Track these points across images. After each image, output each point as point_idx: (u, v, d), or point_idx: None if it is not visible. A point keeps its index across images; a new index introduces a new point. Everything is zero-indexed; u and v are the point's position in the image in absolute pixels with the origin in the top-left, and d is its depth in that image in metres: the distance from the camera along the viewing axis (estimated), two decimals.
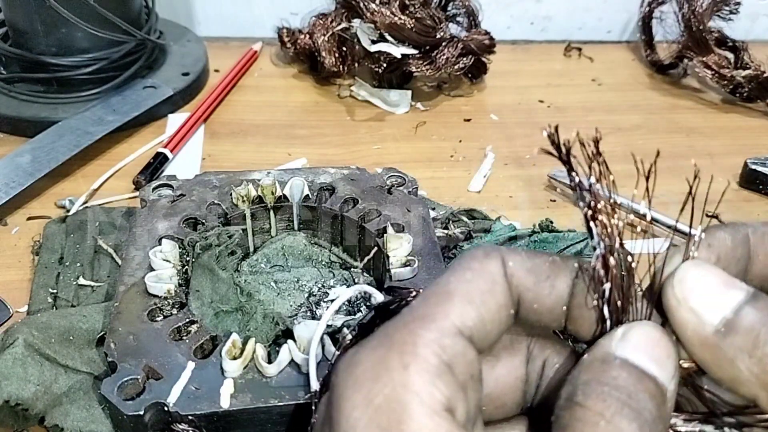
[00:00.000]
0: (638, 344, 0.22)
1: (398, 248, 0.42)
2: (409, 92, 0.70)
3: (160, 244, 0.42)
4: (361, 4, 0.64)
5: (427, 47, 0.65)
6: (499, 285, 0.24)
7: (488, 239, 0.49)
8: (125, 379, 0.34)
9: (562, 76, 0.77)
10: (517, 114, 0.70)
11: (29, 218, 0.53)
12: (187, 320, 0.38)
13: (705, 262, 0.24)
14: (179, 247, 0.42)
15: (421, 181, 0.50)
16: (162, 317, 0.38)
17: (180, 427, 0.33)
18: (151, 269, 0.40)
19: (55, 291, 0.46)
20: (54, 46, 0.63)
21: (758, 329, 0.22)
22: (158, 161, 0.58)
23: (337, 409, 0.22)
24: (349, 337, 0.28)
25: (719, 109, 0.72)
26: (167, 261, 0.41)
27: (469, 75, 0.72)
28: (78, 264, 0.47)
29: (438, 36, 0.65)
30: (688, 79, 0.77)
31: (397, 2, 0.64)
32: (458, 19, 0.71)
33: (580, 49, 0.82)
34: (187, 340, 0.36)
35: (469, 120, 0.69)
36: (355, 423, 0.21)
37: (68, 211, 0.53)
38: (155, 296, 0.39)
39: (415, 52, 0.65)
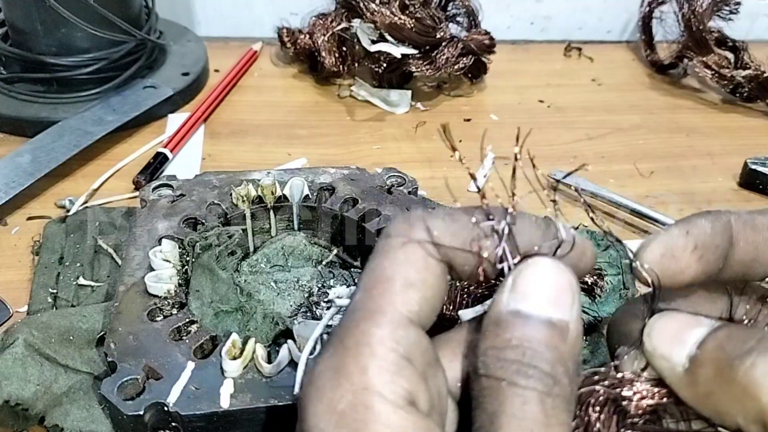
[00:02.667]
0: (527, 289, 0.23)
1: None
2: (409, 92, 0.70)
3: (160, 244, 0.42)
4: (361, 4, 0.64)
5: (427, 47, 0.65)
6: (431, 258, 0.24)
7: None
8: (125, 379, 0.34)
9: (562, 76, 0.77)
10: (517, 114, 0.70)
11: (29, 218, 0.53)
12: (187, 320, 0.38)
13: (671, 312, 0.25)
14: (179, 247, 0.42)
15: (421, 181, 0.50)
16: (162, 317, 0.38)
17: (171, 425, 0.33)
18: (151, 269, 0.40)
19: (55, 291, 0.46)
20: (54, 46, 0.63)
21: (720, 356, 0.22)
22: (158, 161, 0.58)
23: (303, 422, 0.22)
24: (320, 346, 0.28)
25: (719, 109, 0.72)
26: (167, 261, 0.41)
27: (469, 75, 0.72)
28: (78, 264, 0.47)
29: (438, 36, 0.65)
30: (688, 79, 0.77)
31: (397, 2, 0.64)
32: (458, 19, 0.71)
33: (580, 49, 0.82)
34: (187, 340, 0.36)
35: (469, 120, 0.69)
36: (317, 422, 0.21)
37: (68, 211, 0.53)
38: (155, 296, 0.39)
39: (415, 52, 0.65)
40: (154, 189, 0.47)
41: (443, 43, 0.66)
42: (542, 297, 0.22)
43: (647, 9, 0.77)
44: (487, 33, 0.70)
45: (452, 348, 0.25)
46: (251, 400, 0.34)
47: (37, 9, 0.60)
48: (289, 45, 0.73)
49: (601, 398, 0.23)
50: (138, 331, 0.37)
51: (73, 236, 0.50)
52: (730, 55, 0.73)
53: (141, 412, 0.32)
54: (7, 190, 0.53)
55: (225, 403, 0.33)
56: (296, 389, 0.32)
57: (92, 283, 0.46)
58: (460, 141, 0.65)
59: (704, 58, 0.71)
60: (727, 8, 0.72)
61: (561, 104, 0.72)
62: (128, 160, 0.60)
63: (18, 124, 0.62)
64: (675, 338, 0.23)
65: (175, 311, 0.38)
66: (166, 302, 0.39)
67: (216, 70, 0.74)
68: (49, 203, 0.55)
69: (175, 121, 0.65)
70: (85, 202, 0.54)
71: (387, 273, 0.23)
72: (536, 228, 0.26)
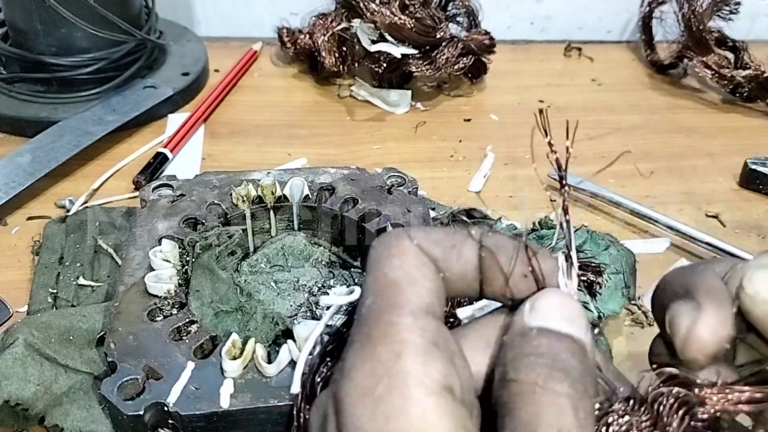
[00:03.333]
0: (546, 310, 0.24)
1: None
2: (409, 92, 0.70)
3: (160, 244, 0.42)
4: (361, 4, 0.64)
5: (427, 47, 0.65)
6: (422, 256, 0.25)
7: None
8: (125, 379, 0.34)
9: (562, 76, 0.77)
10: (517, 114, 0.70)
11: (29, 218, 0.53)
12: (187, 320, 0.38)
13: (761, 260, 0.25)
14: (179, 247, 0.42)
15: (421, 181, 0.50)
16: (162, 317, 0.38)
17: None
18: (151, 269, 0.40)
19: (55, 291, 0.46)
20: (54, 46, 0.63)
21: None
22: (158, 161, 0.58)
23: (343, 416, 0.22)
24: (320, 346, 0.28)
25: (719, 109, 0.72)
26: (167, 261, 0.41)
27: (469, 75, 0.72)
28: (78, 264, 0.47)
29: (438, 36, 0.65)
30: (688, 79, 0.77)
31: (397, 2, 0.64)
32: (458, 19, 0.71)
33: (580, 49, 0.82)
34: (187, 340, 0.36)
35: (469, 120, 0.69)
36: (360, 420, 0.21)
37: (68, 211, 0.53)
38: (155, 296, 0.39)
39: (415, 52, 0.65)
40: (154, 189, 0.47)
41: (443, 43, 0.66)
42: (562, 317, 0.23)
43: (647, 9, 0.77)
44: (487, 33, 0.70)
45: (473, 343, 0.25)
46: (251, 400, 0.34)
47: (37, 9, 0.60)
48: (289, 45, 0.73)
49: (672, 400, 0.23)
50: (138, 331, 0.37)
51: (73, 236, 0.50)
52: (730, 55, 0.73)
53: (141, 412, 0.32)
54: (7, 190, 0.53)
55: (225, 403, 0.33)
56: (293, 389, 0.32)
57: (92, 283, 0.46)
58: (460, 141, 0.65)
59: (704, 58, 0.71)
60: (727, 8, 0.72)
61: (561, 104, 0.72)
62: (128, 160, 0.60)
63: (18, 124, 0.62)
64: None
65: (175, 311, 0.38)
66: (166, 302, 0.39)
67: (216, 70, 0.74)
68: (49, 203, 0.55)
69: (175, 121, 0.65)
70: (85, 202, 0.54)
71: (390, 277, 0.24)
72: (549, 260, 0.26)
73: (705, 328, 0.25)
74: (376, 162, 0.60)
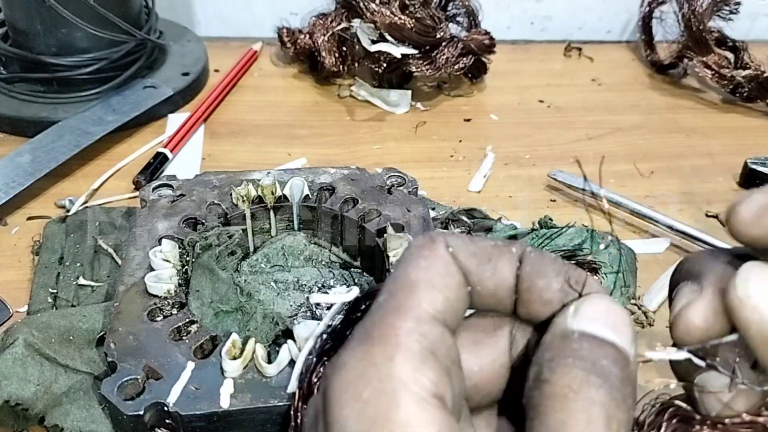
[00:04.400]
0: (591, 315, 0.23)
1: (398, 248, 0.42)
2: (409, 92, 0.70)
3: (160, 244, 0.42)
4: (361, 4, 0.64)
5: (427, 47, 0.65)
6: (452, 265, 0.24)
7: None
8: (125, 379, 0.34)
9: (562, 76, 0.77)
10: (517, 114, 0.70)
11: (29, 218, 0.53)
12: (187, 320, 0.38)
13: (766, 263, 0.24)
14: (179, 247, 0.42)
15: (421, 181, 0.50)
16: (162, 317, 0.38)
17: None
18: (151, 269, 0.40)
19: (55, 291, 0.46)
20: (54, 46, 0.63)
21: None
22: (158, 161, 0.58)
23: (329, 414, 0.22)
24: (319, 343, 0.28)
25: (719, 109, 0.72)
26: (167, 261, 0.41)
27: (469, 75, 0.72)
28: (78, 264, 0.47)
29: (438, 36, 0.65)
30: (688, 79, 0.77)
31: (397, 2, 0.64)
32: (458, 19, 0.71)
33: (580, 49, 0.82)
34: (187, 340, 0.36)
35: (469, 120, 0.69)
36: (345, 421, 0.21)
37: (68, 211, 0.53)
38: (155, 296, 0.39)
39: (415, 52, 0.65)
40: (154, 189, 0.47)
41: (443, 43, 0.66)
42: (608, 324, 0.23)
43: (647, 9, 0.77)
44: (487, 33, 0.70)
45: (460, 341, 0.25)
46: (251, 400, 0.34)
47: (37, 9, 0.60)
48: (289, 45, 0.73)
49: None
50: (138, 331, 0.37)
51: (73, 236, 0.49)
52: (730, 55, 0.73)
53: (141, 412, 0.32)
54: (7, 190, 0.53)
55: (225, 403, 0.33)
56: (290, 387, 0.32)
57: (92, 283, 0.46)
58: (460, 141, 0.65)
59: (704, 58, 0.71)
60: (727, 8, 0.72)
61: (561, 104, 0.72)
62: (128, 160, 0.60)
63: (18, 123, 0.62)
64: None
65: (175, 311, 0.38)
66: (166, 302, 0.39)
67: (216, 70, 0.74)
68: (49, 203, 0.55)
69: (175, 121, 0.65)
70: (85, 202, 0.54)
71: (411, 278, 0.24)
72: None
73: (696, 313, 0.24)
74: (376, 162, 0.60)
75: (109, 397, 0.33)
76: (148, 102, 0.64)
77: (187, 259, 0.42)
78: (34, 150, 0.57)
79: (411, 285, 0.24)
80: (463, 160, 0.62)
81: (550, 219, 0.51)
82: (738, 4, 0.72)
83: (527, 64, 0.79)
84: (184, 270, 0.42)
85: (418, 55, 0.65)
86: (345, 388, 0.22)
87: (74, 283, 0.46)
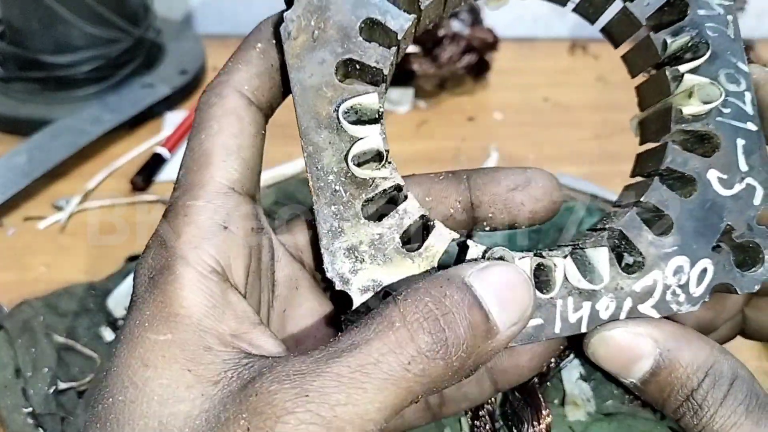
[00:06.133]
0: (491, 280, 0.22)
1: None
2: (411, 90, 0.69)
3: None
4: None
5: (430, 45, 0.64)
6: (245, 118, 0.25)
7: (487, 239, 0.48)
8: None
9: (567, 74, 0.76)
10: (522, 113, 0.69)
11: (26, 219, 0.53)
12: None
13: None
14: None
15: None
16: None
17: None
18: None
19: (30, 409, 0.38)
20: (51, 45, 0.62)
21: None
22: (156, 161, 0.57)
23: (135, 280, 0.24)
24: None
25: None
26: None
27: (472, 73, 0.71)
28: (45, 369, 0.40)
29: (440, 33, 0.64)
30: None
31: None
32: (461, 16, 0.70)
33: (585, 47, 0.81)
34: None
35: (472, 119, 0.68)
36: (138, 288, 0.23)
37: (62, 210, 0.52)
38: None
39: (417, 49, 0.64)
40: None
41: (446, 41, 0.65)
42: (499, 294, 0.22)
43: None
44: (490, 30, 0.69)
45: None
46: None
47: (34, 7, 0.60)
48: None
49: None
50: None
51: (20, 341, 0.41)
52: None
53: None
54: (4, 190, 0.52)
55: None
56: None
57: (73, 384, 0.39)
58: (464, 140, 0.64)
59: None
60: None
61: (566, 103, 0.71)
62: (125, 160, 0.59)
63: (14, 123, 0.61)
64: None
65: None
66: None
67: (214, 68, 0.73)
68: (45, 204, 0.54)
69: (172, 119, 0.64)
70: (81, 202, 0.54)
71: (204, 147, 0.25)
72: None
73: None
74: None
75: None
76: (145, 101, 0.63)
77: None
78: (30, 150, 0.56)
79: (205, 155, 0.24)
80: (466, 159, 0.62)
81: None
82: (744, 2, 0.71)
83: (531, 62, 0.78)
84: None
85: (420, 53, 0.64)
86: (142, 265, 0.24)
87: (50, 392, 0.39)
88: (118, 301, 0.43)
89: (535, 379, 0.35)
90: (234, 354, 0.22)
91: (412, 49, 0.63)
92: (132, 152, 0.60)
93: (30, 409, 0.38)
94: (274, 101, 0.27)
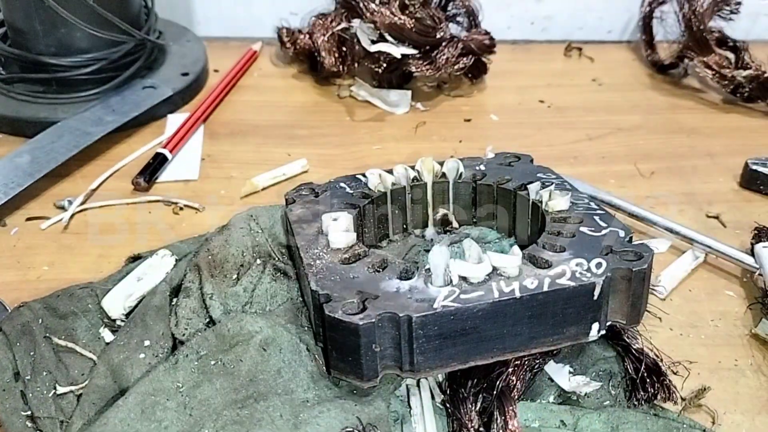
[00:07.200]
0: None
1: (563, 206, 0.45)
2: (409, 92, 0.70)
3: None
4: (361, 4, 0.63)
5: (427, 47, 0.65)
6: None
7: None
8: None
9: (562, 76, 0.77)
10: (518, 114, 0.69)
11: (28, 219, 0.53)
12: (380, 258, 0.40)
13: None
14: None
15: None
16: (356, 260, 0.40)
17: None
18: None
19: (28, 412, 0.38)
20: (53, 47, 0.63)
21: None
22: (157, 162, 0.58)
23: None
24: None
25: (720, 109, 0.72)
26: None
27: (470, 75, 0.72)
28: (44, 373, 0.40)
29: (438, 36, 0.65)
30: (689, 79, 0.76)
31: (397, 2, 0.64)
32: (458, 19, 0.71)
33: (580, 49, 0.81)
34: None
35: (469, 120, 0.68)
36: None
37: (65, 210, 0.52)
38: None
39: (415, 52, 0.65)
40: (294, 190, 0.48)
41: (443, 43, 0.66)
42: None
43: (648, 9, 0.77)
44: (487, 33, 0.69)
45: None
46: None
47: (36, 9, 0.60)
48: (288, 45, 0.73)
49: None
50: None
51: (19, 345, 0.41)
52: (731, 55, 0.73)
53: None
54: (6, 190, 0.53)
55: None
56: None
57: (72, 388, 0.39)
58: (460, 141, 0.65)
59: (705, 58, 0.71)
60: (728, 8, 0.72)
61: (561, 104, 0.71)
62: (127, 161, 0.60)
63: (17, 124, 0.62)
64: None
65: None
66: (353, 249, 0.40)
67: (215, 70, 0.74)
68: (48, 204, 0.55)
69: (174, 121, 0.65)
70: (83, 203, 0.54)
71: None
72: None
73: None
74: (376, 162, 0.60)
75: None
76: (147, 102, 0.64)
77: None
78: (33, 150, 0.57)
79: None
80: None
81: None
82: (738, 3, 0.72)
83: (527, 65, 0.79)
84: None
85: (418, 55, 0.65)
86: None
87: (50, 396, 0.39)
88: (114, 302, 0.43)
89: (516, 382, 0.37)
90: None
91: (410, 51, 0.64)
92: (134, 153, 0.60)
93: (29, 412, 0.38)
94: None
